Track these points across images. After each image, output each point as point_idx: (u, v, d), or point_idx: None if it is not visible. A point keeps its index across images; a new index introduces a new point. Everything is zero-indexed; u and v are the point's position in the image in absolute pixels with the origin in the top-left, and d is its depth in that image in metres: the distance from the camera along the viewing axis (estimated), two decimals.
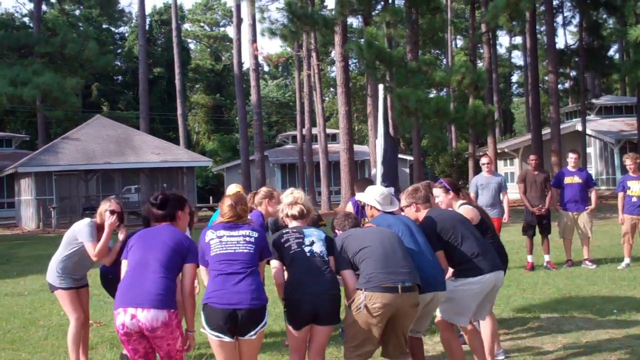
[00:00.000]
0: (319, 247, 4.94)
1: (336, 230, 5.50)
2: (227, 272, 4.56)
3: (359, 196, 5.70)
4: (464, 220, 5.61)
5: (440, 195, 6.07)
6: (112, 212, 6.05)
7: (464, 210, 5.90)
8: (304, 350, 4.97)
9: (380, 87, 8.02)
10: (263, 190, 6.51)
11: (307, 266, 4.83)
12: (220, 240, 4.69)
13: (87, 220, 6.18)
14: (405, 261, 4.87)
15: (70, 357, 6.22)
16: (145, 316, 4.32)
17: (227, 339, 4.48)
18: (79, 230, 6.11)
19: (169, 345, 4.44)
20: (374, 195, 5.51)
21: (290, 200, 5.26)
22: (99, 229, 6.11)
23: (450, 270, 5.58)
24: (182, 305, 4.58)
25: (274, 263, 4.98)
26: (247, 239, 4.72)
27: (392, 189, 6.59)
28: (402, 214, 5.67)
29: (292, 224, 5.22)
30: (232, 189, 7.18)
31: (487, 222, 6.05)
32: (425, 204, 5.59)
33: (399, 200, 5.86)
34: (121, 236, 6.11)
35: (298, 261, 4.87)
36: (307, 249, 4.92)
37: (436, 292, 5.11)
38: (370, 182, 7.22)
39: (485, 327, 5.87)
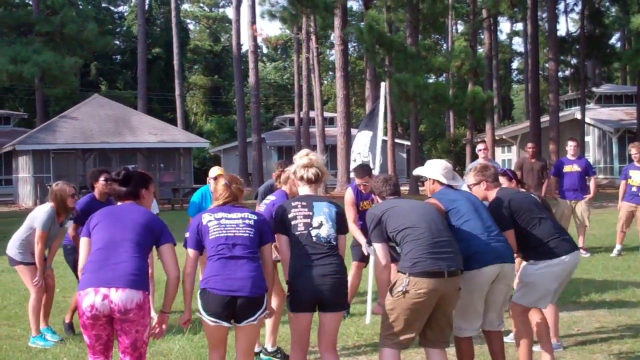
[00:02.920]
0: (326, 231, 4.61)
1: (373, 196, 5.11)
2: (227, 255, 4.34)
3: (418, 170, 5.38)
4: (538, 202, 5.48)
5: (504, 184, 5.96)
6: (73, 196, 6.66)
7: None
8: (306, 343, 4.73)
9: (382, 85, 8.07)
10: (290, 169, 6.51)
11: (311, 251, 4.56)
12: (219, 222, 4.45)
13: (47, 207, 6.62)
14: (451, 244, 4.63)
15: (31, 325, 6.67)
16: (120, 297, 4.02)
17: (224, 324, 4.32)
18: (36, 217, 6.58)
19: (138, 332, 4.12)
20: (437, 169, 5.22)
21: (306, 161, 4.86)
22: (58, 213, 6.63)
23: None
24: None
25: (280, 237, 4.70)
26: (247, 221, 4.49)
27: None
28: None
29: (304, 188, 4.86)
30: (215, 171, 7.49)
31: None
32: (495, 183, 5.42)
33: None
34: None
35: (303, 245, 4.58)
36: (313, 232, 4.59)
37: (503, 263, 4.83)
38: (368, 167, 7.24)
39: (549, 314, 5.84)
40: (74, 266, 6.95)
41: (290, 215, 4.66)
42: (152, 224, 4.35)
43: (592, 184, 11.66)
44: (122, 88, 56.97)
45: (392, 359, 4.62)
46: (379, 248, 4.71)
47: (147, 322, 4.16)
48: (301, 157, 4.90)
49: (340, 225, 4.72)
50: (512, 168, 14.94)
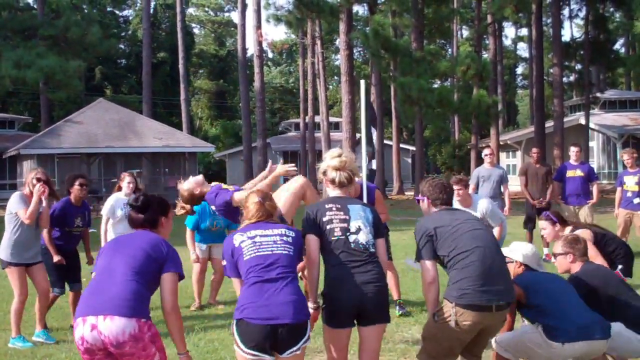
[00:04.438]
0: (364, 237, 4.25)
1: (418, 197, 4.78)
2: (264, 278, 3.88)
3: (505, 252, 4.96)
4: (623, 281, 5.25)
5: (547, 228, 5.87)
6: (39, 180, 6.53)
7: (581, 233, 5.67)
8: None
9: (362, 82, 7.81)
10: (320, 166, 6.43)
11: (350, 259, 4.18)
12: (254, 241, 4.00)
13: (17, 192, 6.72)
14: (503, 275, 4.42)
15: (12, 328, 6.74)
16: (109, 327, 3.55)
17: (266, 357, 3.81)
18: (10, 203, 6.61)
19: None
20: (525, 253, 5.04)
21: (337, 164, 4.46)
22: (29, 198, 6.60)
23: None
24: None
25: (311, 238, 4.25)
26: (285, 238, 4.05)
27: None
28: (553, 260, 5.36)
29: (334, 192, 4.47)
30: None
31: (607, 233, 5.89)
32: (582, 257, 5.14)
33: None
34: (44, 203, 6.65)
35: (340, 252, 4.19)
36: (352, 238, 4.21)
37: (592, 340, 4.44)
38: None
39: None
40: (47, 267, 7.08)
41: (325, 219, 4.28)
42: (157, 250, 3.89)
43: (595, 190, 11.64)
44: (127, 92, 57.11)
45: None
46: (427, 265, 4.43)
47: (152, 352, 3.66)
48: (332, 157, 4.51)
49: (378, 229, 4.37)
50: (517, 173, 14.97)
